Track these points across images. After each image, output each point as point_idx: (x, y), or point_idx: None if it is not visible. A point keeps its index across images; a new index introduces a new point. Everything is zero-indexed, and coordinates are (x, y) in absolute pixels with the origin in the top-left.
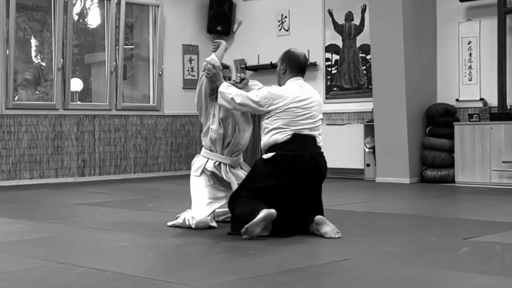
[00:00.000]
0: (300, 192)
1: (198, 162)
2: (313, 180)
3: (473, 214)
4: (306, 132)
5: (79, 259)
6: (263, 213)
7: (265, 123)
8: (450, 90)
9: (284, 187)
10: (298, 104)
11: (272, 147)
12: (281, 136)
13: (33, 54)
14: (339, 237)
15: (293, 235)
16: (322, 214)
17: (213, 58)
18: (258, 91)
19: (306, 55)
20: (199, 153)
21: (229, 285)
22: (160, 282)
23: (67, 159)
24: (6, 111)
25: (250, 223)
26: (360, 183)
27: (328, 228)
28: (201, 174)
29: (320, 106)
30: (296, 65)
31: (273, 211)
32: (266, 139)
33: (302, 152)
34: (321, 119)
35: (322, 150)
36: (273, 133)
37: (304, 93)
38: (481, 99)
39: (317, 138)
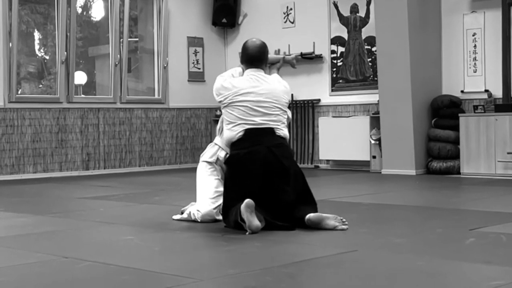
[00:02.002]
0: (270, 187)
1: (212, 150)
2: (275, 172)
3: (479, 205)
4: (260, 125)
5: (84, 253)
6: (242, 207)
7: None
8: (455, 81)
9: (250, 186)
10: (244, 97)
11: (230, 145)
12: (234, 134)
13: (37, 47)
14: (346, 227)
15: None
16: (311, 205)
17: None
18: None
19: (263, 44)
20: (205, 146)
21: (235, 277)
22: (166, 275)
23: (71, 153)
24: (9, 105)
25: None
26: (366, 175)
27: (332, 222)
28: (216, 161)
29: (275, 94)
30: (245, 56)
31: (247, 200)
32: (223, 135)
33: (258, 147)
34: (280, 107)
35: (284, 140)
36: (226, 129)
37: (251, 84)
38: (486, 91)
39: (275, 129)
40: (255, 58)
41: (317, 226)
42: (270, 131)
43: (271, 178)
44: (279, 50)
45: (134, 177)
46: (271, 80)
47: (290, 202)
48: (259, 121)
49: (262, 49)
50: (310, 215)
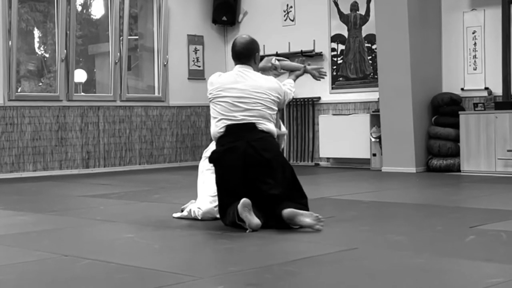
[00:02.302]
0: (251, 181)
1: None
2: (255, 165)
3: (479, 203)
4: (240, 120)
5: (84, 251)
6: (239, 207)
7: None
8: (455, 79)
9: (233, 182)
10: (226, 93)
11: (216, 141)
12: (217, 129)
13: (36, 45)
14: (321, 226)
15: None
16: (296, 200)
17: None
18: None
19: (250, 41)
20: (205, 144)
21: (235, 275)
22: (166, 273)
23: (71, 151)
24: (9, 103)
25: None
26: (366, 173)
27: (308, 220)
28: None
29: (259, 90)
30: (233, 53)
31: (243, 199)
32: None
33: (238, 143)
34: (263, 103)
35: (267, 133)
36: (212, 124)
37: (235, 80)
38: (486, 88)
39: (257, 124)
40: (241, 54)
41: (292, 222)
42: (251, 126)
43: (251, 171)
44: (277, 53)
45: (134, 175)
46: (256, 76)
47: (273, 195)
48: (240, 116)
49: (249, 45)
50: (284, 211)
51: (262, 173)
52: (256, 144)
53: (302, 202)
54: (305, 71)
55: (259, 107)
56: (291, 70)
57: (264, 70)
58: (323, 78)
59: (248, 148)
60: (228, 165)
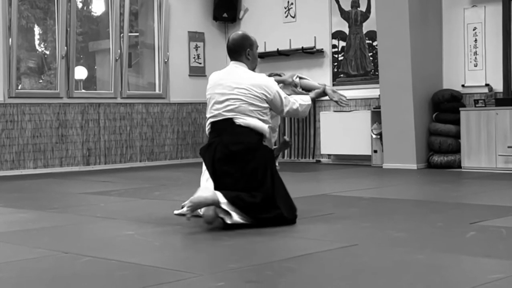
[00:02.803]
0: (217, 174)
1: None
2: (220, 158)
3: (480, 199)
4: (221, 116)
5: (84, 249)
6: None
7: None
8: (456, 76)
9: (211, 177)
10: (212, 90)
11: None
12: (206, 127)
13: (37, 42)
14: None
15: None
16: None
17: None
18: None
19: (240, 37)
20: (206, 141)
21: (236, 272)
22: (167, 270)
23: (71, 148)
24: (9, 100)
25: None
26: (367, 169)
27: (210, 212)
28: None
29: (241, 86)
30: (227, 49)
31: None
32: None
33: (215, 139)
34: (244, 99)
35: (242, 129)
36: None
37: (221, 77)
38: (487, 85)
39: (234, 119)
40: (231, 51)
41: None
42: (230, 121)
43: (218, 165)
44: (278, 50)
45: (135, 172)
46: (242, 72)
47: (232, 185)
48: (221, 113)
49: (239, 41)
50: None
51: (225, 163)
52: (227, 138)
53: (252, 195)
54: (325, 92)
55: (238, 103)
56: (311, 90)
57: (284, 84)
58: (342, 106)
59: (219, 144)
60: (205, 161)
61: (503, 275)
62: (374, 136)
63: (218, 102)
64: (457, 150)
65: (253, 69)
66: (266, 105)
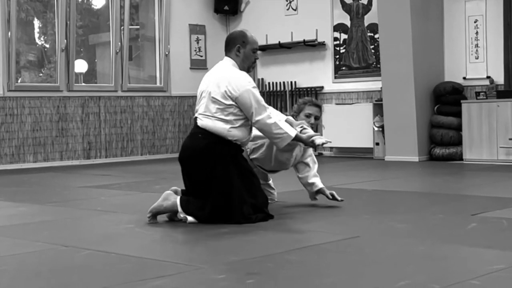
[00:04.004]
0: (188, 183)
1: None
2: (186, 162)
3: (481, 191)
4: (196, 114)
5: (84, 242)
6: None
7: None
8: (457, 68)
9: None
10: (199, 88)
11: None
12: None
13: (36, 35)
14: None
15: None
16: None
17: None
18: None
19: (231, 33)
20: None
21: (237, 264)
22: (167, 263)
23: (72, 142)
24: (9, 93)
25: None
26: (369, 162)
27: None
28: None
29: (214, 83)
30: None
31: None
32: None
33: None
34: (210, 96)
35: (199, 130)
36: None
37: (208, 72)
38: (488, 77)
39: (198, 119)
40: (225, 43)
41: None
42: (195, 121)
43: (186, 167)
44: (279, 43)
45: (136, 165)
46: (221, 67)
47: (188, 189)
48: (197, 110)
49: (233, 35)
50: None
51: (182, 170)
52: (185, 141)
53: (201, 207)
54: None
55: (205, 101)
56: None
57: (292, 125)
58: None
59: (184, 143)
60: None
61: (504, 265)
62: (376, 128)
63: (198, 99)
64: (458, 142)
65: (244, 69)
66: (230, 102)
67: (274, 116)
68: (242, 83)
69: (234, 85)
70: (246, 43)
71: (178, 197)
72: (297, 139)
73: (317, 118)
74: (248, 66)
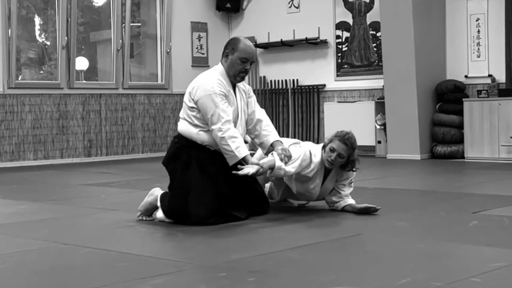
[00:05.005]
0: None
1: None
2: (165, 167)
3: (482, 189)
4: None
5: (84, 240)
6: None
7: None
8: (459, 66)
9: None
10: None
11: None
12: None
13: (37, 32)
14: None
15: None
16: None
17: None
18: None
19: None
20: None
21: (238, 262)
22: (168, 261)
23: (72, 139)
24: (9, 91)
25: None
26: (371, 160)
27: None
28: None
29: (187, 90)
30: None
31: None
32: None
33: None
34: (184, 97)
35: (177, 135)
36: None
37: None
38: (490, 76)
39: (178, 124)
40: None
41: None
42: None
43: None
44: (281, 40)
45: (137, 163)
46: (205, 72)
47: None
48: None
49: (227, 41)
50: None
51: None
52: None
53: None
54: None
55: (183, 105)
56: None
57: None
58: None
59: None
60: None
61: (505, 263)
62: (378, 126)
63: None
64: (460, 140)
65: (230, 77)
66: (193, 105)
67: (226, 131)
68: (204, 87)
69: (197, 88)
70: (235, 50)
71: (160, 192)
72: (245, 160)
73: (341, 156)
74: (234, 74)
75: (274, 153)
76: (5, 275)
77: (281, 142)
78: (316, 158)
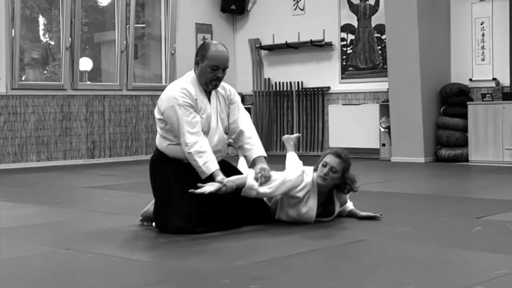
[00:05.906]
0: None
1: None
2: None
3: (486, 193)
4: None
5: (86, 245)
6: None
7: None
8: (464, 70)
9: None
10: None
11: None
12: None
13: (41, 33)
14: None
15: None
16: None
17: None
18: None
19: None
20: None
21: (240, 269)
22: (171, 267)
23: (75, 141)
24: (12, 92)
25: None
26: (375, 163)
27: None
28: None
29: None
30: None
31: None
32: None
33: None
34: (155, 114)
35: (156, 148)
36: None
37: None
38: (494, 79)
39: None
40: None
41: None
42: None
43: None
44: (286, 42)
45: (141, 165)
46: (175, 81)
47: None
48: None
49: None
50: None
51: None
52: None
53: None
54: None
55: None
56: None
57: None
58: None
59: None
60: None
61: (509, 270)
62: (382, 129)
63: None
64: (464, 143)
65: (202, 85)
66: (160, 116)
67: (193, 145)
68: (168, 98)
69: (163, 99)
70: (205, 57)
71: None
72: (213, 177)
73: (334, 170)
74: (205, 83)
75: (251, 171)
76: (7, 281)
77: (263, 158)
78: (308, 178)
